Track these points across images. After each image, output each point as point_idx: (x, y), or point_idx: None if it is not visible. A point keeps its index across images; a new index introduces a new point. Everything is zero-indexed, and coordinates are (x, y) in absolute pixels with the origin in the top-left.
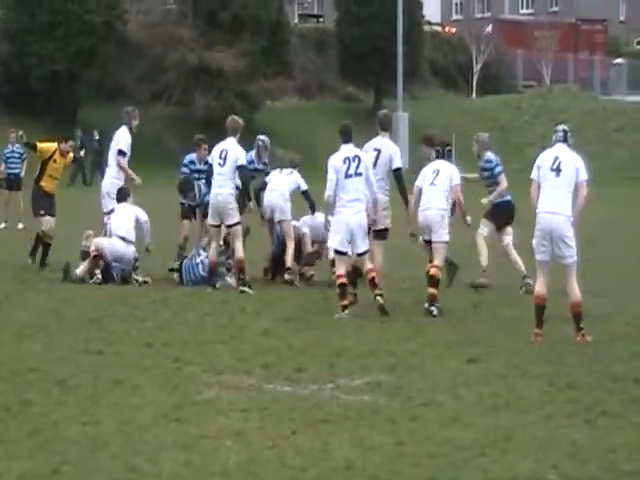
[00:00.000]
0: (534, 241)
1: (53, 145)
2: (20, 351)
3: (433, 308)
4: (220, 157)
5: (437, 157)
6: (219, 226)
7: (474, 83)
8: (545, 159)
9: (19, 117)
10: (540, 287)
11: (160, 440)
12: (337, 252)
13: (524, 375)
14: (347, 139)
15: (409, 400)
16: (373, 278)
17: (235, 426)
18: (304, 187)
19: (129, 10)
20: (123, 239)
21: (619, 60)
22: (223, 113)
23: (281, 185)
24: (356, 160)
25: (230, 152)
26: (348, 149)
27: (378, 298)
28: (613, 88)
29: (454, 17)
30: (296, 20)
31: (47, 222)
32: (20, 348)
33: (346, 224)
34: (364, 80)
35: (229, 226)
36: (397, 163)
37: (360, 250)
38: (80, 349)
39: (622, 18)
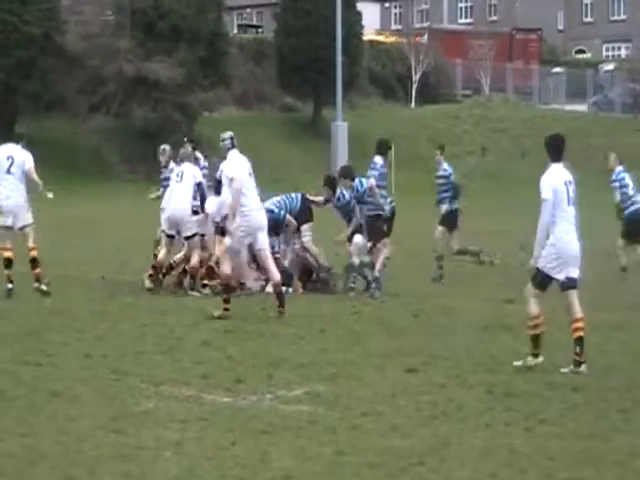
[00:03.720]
0: (240, 235)
1: None
2: None
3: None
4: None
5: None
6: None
7: (413, 92)
8: (241, 166)
9: None
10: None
11: (99, 451)
12: None
13: (462, 384)
14: None
15: (348, 410)
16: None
17: (174, 437)
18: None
19: (68, 21)
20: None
21: (557, 69)
22: (161, 124)
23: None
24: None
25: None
26: None
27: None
28: (552, 97)
29: (393, 27)
30: (235, 30)
31: None
32: None
33: None
34: (303, 90)
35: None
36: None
37: None
38: (18, 361)
39: (560, 27)
